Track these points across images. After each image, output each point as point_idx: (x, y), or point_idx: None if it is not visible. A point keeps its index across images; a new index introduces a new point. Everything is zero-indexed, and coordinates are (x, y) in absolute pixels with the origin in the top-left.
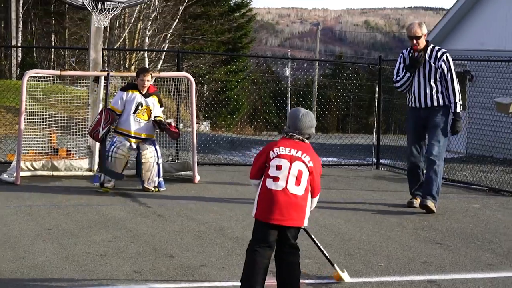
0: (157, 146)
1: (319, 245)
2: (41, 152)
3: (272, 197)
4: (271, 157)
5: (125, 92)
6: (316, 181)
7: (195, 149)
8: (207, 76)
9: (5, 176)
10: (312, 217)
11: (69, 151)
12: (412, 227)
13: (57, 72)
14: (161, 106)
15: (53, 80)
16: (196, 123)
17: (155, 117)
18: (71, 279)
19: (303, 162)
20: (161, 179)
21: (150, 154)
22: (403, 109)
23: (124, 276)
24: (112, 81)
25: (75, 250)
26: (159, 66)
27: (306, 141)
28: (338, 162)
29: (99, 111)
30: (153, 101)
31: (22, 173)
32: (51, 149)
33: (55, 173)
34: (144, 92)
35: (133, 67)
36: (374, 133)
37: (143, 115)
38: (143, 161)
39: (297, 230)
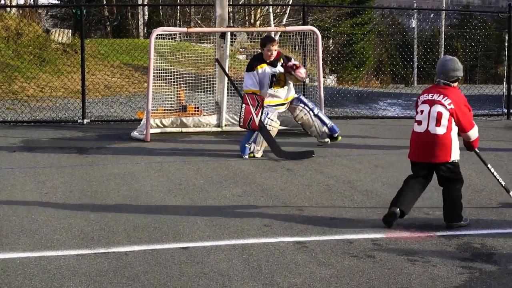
0: (304, 99)
1: (492, 170)
2: (170, 109)
3: (418, 139)
4: (418, 104)
5: (253, 72)
6: (462, 119)
7: (322, 103)
8: (332, 30)
9: (135, 133)
10: None
11: (197, 107)
12: None
13: (184, 29)
14: (289, 61)
15: (180, 37)
16: (323, 77)
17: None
18: (202, 233)
19: (443, 104)
20: (330, 124)
21: (303, 112)
22: None
23: (254, 230)
24: (238, 37)
25: (206, 205)
26: (284, 21)
27: (453, 85)
28: None
29: (243, 99)
30: (280, 65)
31: (151, 130)
32: (179, 106)
33: (184, 129)
34: (271, 61)
35: (258, 23)
36: (505, 83)
37: (279, 85)
38: (299, 122)
39: (446, 164)
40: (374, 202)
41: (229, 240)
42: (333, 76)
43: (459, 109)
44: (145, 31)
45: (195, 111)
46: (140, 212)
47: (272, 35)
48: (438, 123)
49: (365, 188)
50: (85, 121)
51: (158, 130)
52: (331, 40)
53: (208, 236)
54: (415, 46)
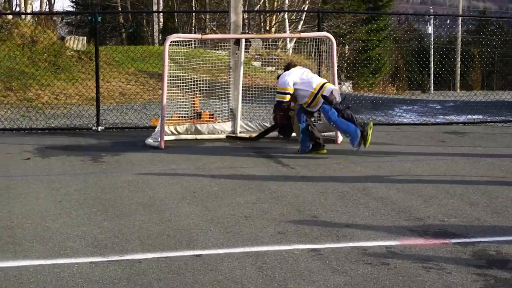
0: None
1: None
2: (185, 116)
3: None
4: None
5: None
6: None
7: None
8: (348, 36)
9: (149, 140)
10: (459, 174)
11: (212, 114)
12: None
13: (198, 36)
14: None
15: (195, 44)
16: (338, 83)
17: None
18: (216, 240)
19: None
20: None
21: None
22: None
23: (268, 238)
24: (253, 43)
25: (220, 212)
26: (299, 27)
27: None
28: (484, 119)
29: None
30: None
31: (166, 137)
32: (194, 113)
33: (199, 136)
34: None
35: (273, 29)
36: None
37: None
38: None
39: None
40: (389, 209)
41: (243, 248)
42: (348, 83)
43: None
44: (160, 38)
45: (209, 118)
46: (154, 219)
47: (288, 41)
48: None
49: (380, 195)
50: (100, 128)
51: (172, 137)
52: (346, 47)
53: (221, 243)
54: (432, 52)
